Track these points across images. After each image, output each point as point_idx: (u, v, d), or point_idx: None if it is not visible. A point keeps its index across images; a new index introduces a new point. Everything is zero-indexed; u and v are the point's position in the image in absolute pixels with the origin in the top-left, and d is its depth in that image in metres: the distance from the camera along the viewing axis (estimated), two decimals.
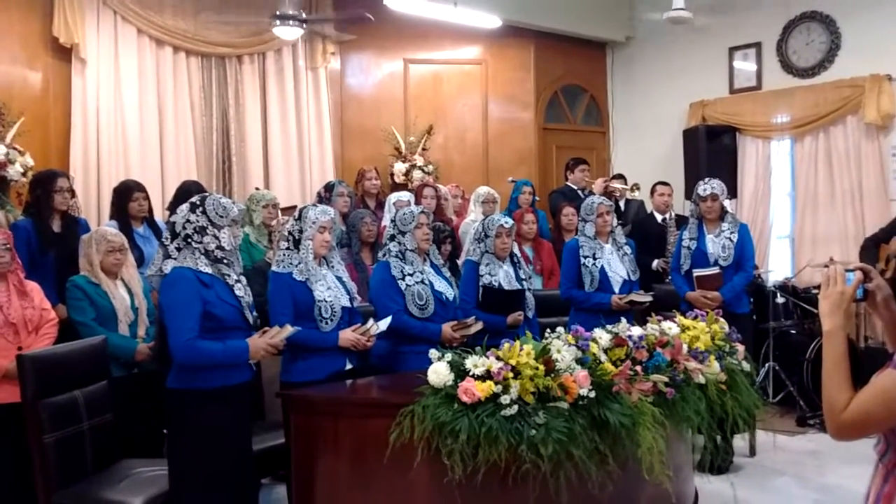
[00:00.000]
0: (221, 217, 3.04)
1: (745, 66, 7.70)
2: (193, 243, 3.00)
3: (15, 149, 5.29)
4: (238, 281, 3.09)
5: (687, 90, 7.89)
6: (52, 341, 3.64)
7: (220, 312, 2.97)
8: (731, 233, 4.81)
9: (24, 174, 5.26)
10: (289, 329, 3.14)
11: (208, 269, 3.00)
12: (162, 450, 3.97)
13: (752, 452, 5.05)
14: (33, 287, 3.73)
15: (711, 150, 7.27)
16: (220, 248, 3.03)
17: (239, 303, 3.05)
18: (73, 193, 4.80)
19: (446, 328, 3.86)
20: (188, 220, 3.01)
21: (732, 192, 6.89)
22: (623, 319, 3.49)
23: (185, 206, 3.07)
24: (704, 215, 4.86)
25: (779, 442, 5.31)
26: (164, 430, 4.04)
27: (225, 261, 3.05)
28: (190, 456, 2.96)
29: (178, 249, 3.01)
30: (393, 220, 4.02)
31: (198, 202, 3.05)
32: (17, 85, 5.71)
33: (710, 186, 4.84)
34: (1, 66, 5.62)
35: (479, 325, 3.92)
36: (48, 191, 4.48)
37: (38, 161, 5.42)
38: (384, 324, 3.60)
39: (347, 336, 3.47)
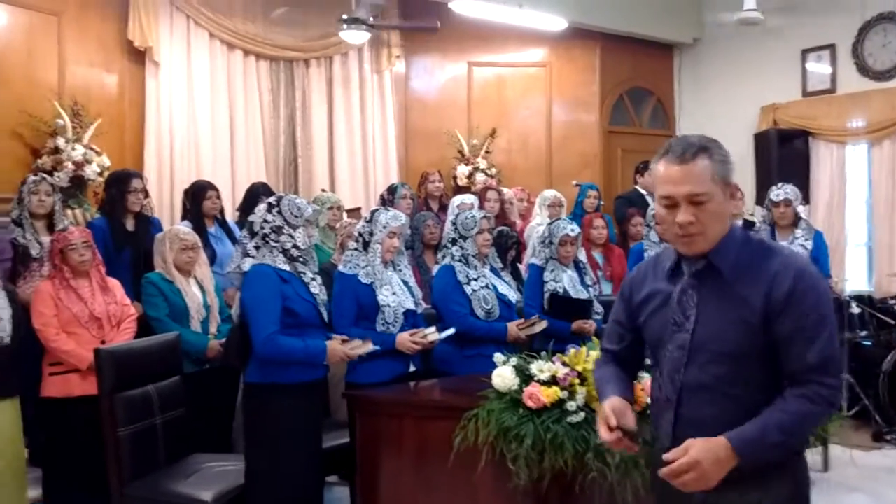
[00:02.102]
0: (296, 217, 3.12)
1: (819, 68, 7.47)
2: (271, 242, 3.09)
3: (92, 149, 5.46)
4: (314, 279, 3.16)
5: (757, 93, 7.69)
6: (132, 336, 3.75)
7: (299, 308, 3.05)
8: (806, 240, 4.68)
9: (100, 174, 5.42)
10: (370, 346, 3.17)
11: (286, 267, 3.08)
12: (230, 445, 4.06)
13: (826, 467, 4.89)
14: (114, 283, 3.85)
15: (783, 155, 7.09)
16: (295, 246, 3.11)
17: (315, 300, 3.12)
18: (146, 194, 4.93)
19: (512, 327, 3.86)
20: (265, 220, 3.11)
21: (805, 198, 6.70)
22: None
23: (262, 206, 3.18)
24: (777, 221, 4.74)
25: (853, 457, 5.13)
26: (234, 425, 4.15)
27: (301, 259, 3.13)
28: (267, 449, 3.02)
29: (257, 248, 3.10)
30: (454, 224, 4.01)
31: (274, 202, 3.15)
32: (94, 87, 5.89)
33: (783, 191, 4.72)
34: (79, 69, 5.81)
35: (543, 324, 3.93)
36: (122, 191, 4.61)
37: (113, 161, 5.58)
38: (446, 334, 3.59)
39: (404, 340, 3.49)
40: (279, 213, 3.11)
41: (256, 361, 3.05)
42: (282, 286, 3.03)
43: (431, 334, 3.54)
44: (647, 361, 2.07)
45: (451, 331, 3.63)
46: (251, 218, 3.19)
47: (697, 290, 1.80)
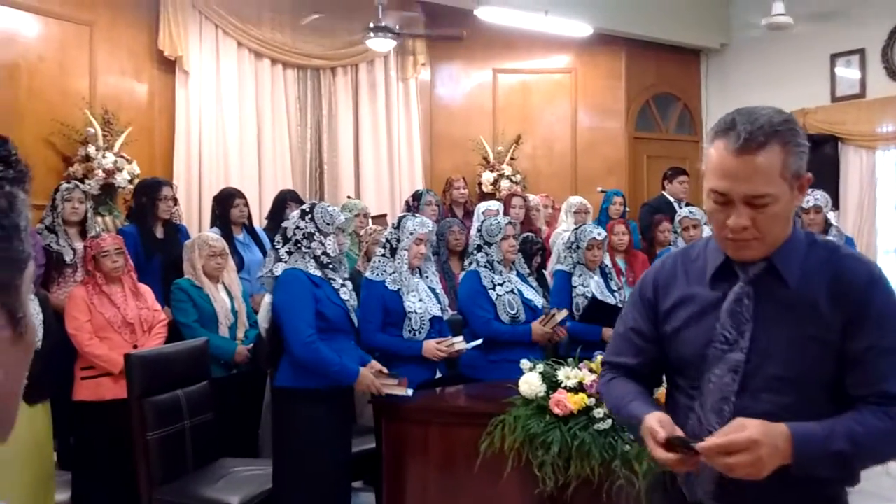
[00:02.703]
0: (328, 224, 3.16)
1: (848, 73, 7.39)
2: (303, 248, 3.13)
3: (122, 157, 5.53)
4: (343, 285, 3.19)
5: (786, 98, 7.56)
6: (163, 341, 3.80)
7: (329, 313, 3.08)
8: None
9: (130, 181, 5.49)
10: (406, 391, 3.15)
11: (317, 272, 3.12)
12: (257, 450, 4.08)
13: (858, 478, 4.81)
14: (146, 289, 3.91)
15: (812, 160, 6.89)
16: (325, 253, 3.14)
17: (345, 305, 3.14)
18: (175, 201, 4.99)
19: (535, 325, 3.85)
20: (298, 226, 3.15)
21: (835, 204, 6.61)
22: None
23: (296, 213, 3.24)
24: (807, 227, 4.68)
25: (888, 467, 5.05)
26: (259, 430, 4.18)
27: (331, 266, 3.16)
28: (296, 453, 3.05)
29: (289, 253, 3.14)
30: (479, 231, 4.03)
31: (307, 209, 3.20)
32: (124, 96, 5.98)
33: (813, 198, 4.65)
34: (110, 78, 5.90)
35: (564, 313, 3.92)
36: (153, 198, 4.67)
37: (143, 169, 5.65)
38: (473, 345, 3.59)
39: (431, 348, 3.50)
40: (311, 219, 3.15)
41: (287, 365, 3.08)
42: (314, 290, 3.07)
43: (458, 343, 3.54)
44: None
45: (479, 342, 3.62)
46: (284, 224, 3.24)
47: (754, 300, 1.48)
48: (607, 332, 4.07)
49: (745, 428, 1.36)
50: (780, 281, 1.47)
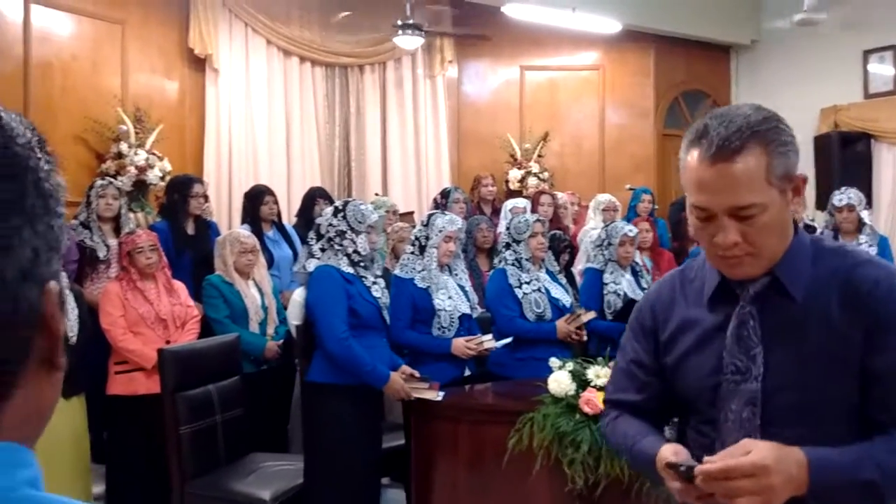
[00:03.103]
0: (360, 223, 3.17)
1: (882, 69, 7.28)
2: (335, 245, 3.14)
3: (154, 154, 5.60)
4: (375, 283, 3.20)
5: (818, 95, 7.52)
6: (195, 336, 3.84)
7: (361, 310, 3.10)
8: (870, 245, 4.55)
9: (162, 178, 5.56)
10: (436, 395, 3.15)
11: (349, 269, 3.13)
12: (286, 445, 4.12)
13: None
14: (179, 285, 3.95)
15: (844, 158, 6.92)
16: (356, 252, 3.14)
17: (377, 303, 3.16)
18: (206, 199, 5.04)
19: (561, 323, 3.81)
20: (331, 224, 3.16)
21: (868, 202, 6.52)
22: None
23: (329, 209, 3.25)
24: (840, 227, 4.63)
25: None
26: (288, 426, 4.21)
27: (362, 264, 3.17)
28: (327, 449, 3.07)
29: (322, 250, 3.16)
30: (507, 229, 4.02)
31: (340, 207, 3.21)
32: (156, 94, 6.05)
33: (846, 196, 4.60)
34: (141, 76, 5.97)
35: (591, 314, 3.88)
36: (185, 196, 4.72)
37: (174, 166, 5.72)
38: (503, 343, 3.59)
39: (460, 346, 3.50)
40: (343, 218, 3.17)
41: (319, 361, 3.10)
42: (346, 286, 3.09)
43: (488, 342, 3.54)
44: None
45: (509, 340, 3.62)
46: (318, 220, 3.27)
47: (761, 321, 1.31)
48: None
49: (752, 449, 1.19)
50: (785, 296, 1.30)
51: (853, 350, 1.25)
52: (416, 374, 3.18)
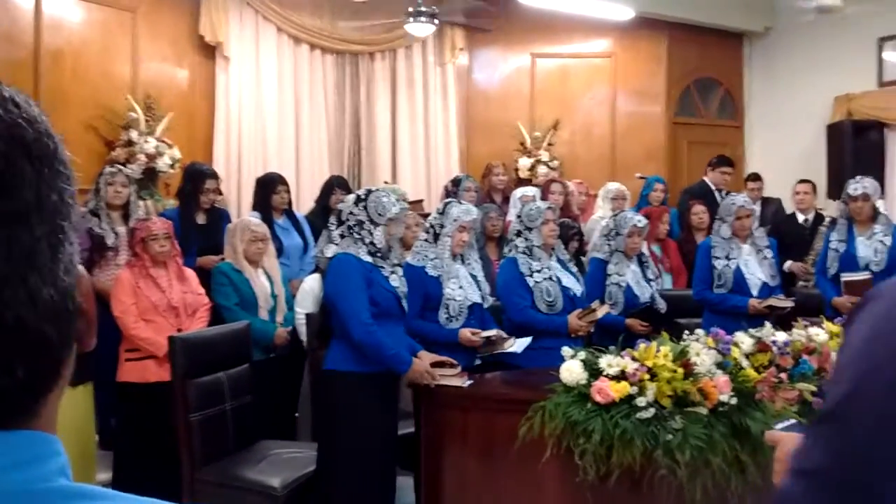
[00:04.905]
0: (380, 215, 3.13)
1: None
2: (354, 234, 3.12)
3: (164, 142, 5.60)
4: (393, 272, 3.18)
5: (831, 83, 7.43)
6: (206, 324, 3.84)
7: (380, 298, 3.08)
8: (885, 235, 4.49)
9: (171, 166, 5.56)
10: (463, 381, 3.13)
11: (368, 258, 3.11)
12: (295, 433, 4.12)
13: None
14: (190, 273, 3.95)
15: (858, 147, 6.85)
16: (372, 243, 3.12)
17: (395, 291, 3.14)
18: (218, 192, 5.03)
19: (572, 318, 3.77)
20: (351, 212, 3.14)
21: (881, 192, 6.46)
22: (767, 323, 3.32)
23: (351, 197, 3.22)
24: (854, 216, 4.56)
25: None
26: (297, 413, 4.21)
27: (378, 255, 3.14)
28: (342, 437, 3.06)
29: (342, 237, 3.14)
30: (519, 216, 3.99)
31: (363, 195, 3.17)
32: (165, 82, 6.05)
33: (861, 185, 4.53)
34: (152, 64, 5.96)
35: (605, 309, 3.82)
36: (196, 188, 4.73)
37: (184, 154, 5.72)
38: (520, 345, 3.56)
39: (466, 336, 3.49)
40: (364, 208, 3.13)
41: (337, 349, 3.09)
42: (367, 274, 3.07)
43: (508, 343, 3.51)
44: None
45: (527, 340, 3.58)
46: (340, 206, 3.25)
47: None
48: (630, 323, 4.05)
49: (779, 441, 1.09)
50: None
51: None
52: (447, 360, 3.16)
